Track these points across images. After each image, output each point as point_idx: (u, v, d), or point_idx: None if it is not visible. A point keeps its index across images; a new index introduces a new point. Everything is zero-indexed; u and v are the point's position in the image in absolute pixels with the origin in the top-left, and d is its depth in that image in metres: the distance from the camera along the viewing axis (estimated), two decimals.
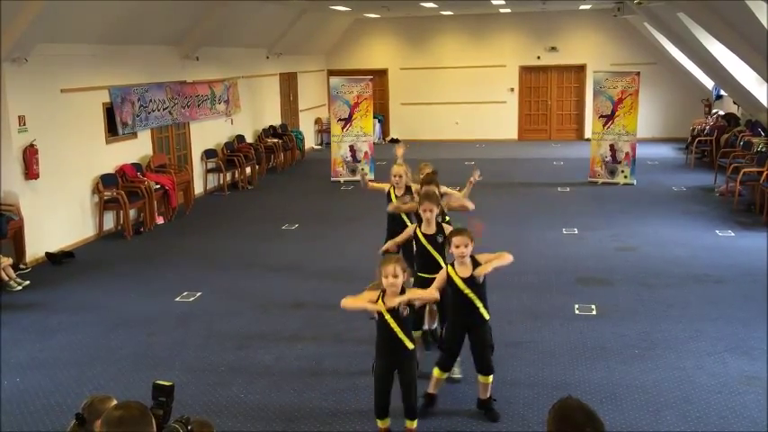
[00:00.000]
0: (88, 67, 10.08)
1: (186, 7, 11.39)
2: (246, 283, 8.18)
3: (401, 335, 4.36)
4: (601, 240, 9.51)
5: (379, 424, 4.62)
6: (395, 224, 6.48)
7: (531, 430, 4.86)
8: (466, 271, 4.79)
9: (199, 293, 7.78)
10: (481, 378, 4.98)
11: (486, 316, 4.89)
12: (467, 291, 4.79)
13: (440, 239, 5.39)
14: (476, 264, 4.80)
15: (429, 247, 5.42)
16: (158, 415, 2.76)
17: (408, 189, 6.76)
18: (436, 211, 5.36)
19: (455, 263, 4.84)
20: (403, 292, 4.36)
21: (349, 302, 4.42)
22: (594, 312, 6.97)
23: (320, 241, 9.78)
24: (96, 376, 5.82)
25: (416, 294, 4.43)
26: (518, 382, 5.53)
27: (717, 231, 9.84)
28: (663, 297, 7.34)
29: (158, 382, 2.91)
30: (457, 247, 4.76)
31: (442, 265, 5.28)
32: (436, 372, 5.03)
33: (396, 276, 4.27)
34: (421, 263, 5.53)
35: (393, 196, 6.72)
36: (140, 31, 10.87)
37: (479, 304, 4.83)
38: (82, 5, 8.97)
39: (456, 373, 5.55)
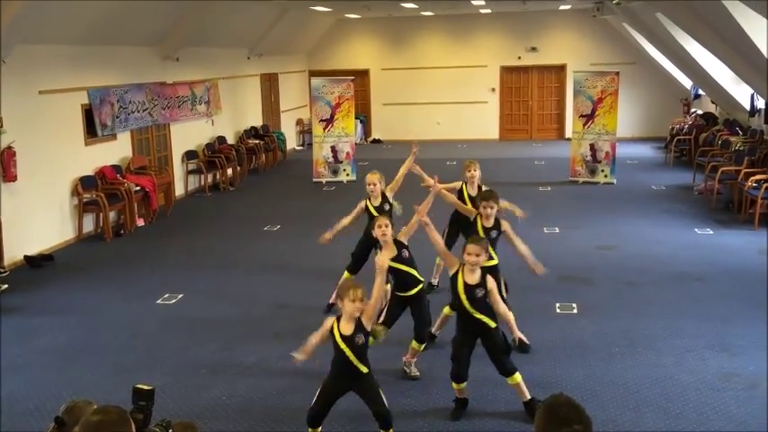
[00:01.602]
0: (67, 68, 9.99)
1: (166, 8, 11.32)
2: (228, 284, 8.14)
3: (355, 361, 4.32)
4: (582, 239, 9.57)
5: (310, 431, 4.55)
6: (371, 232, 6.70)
7: (513, 429, 4.89)
8: (472, 278, 4.81)
9: (180, 295, 7.74)
10: (508, 380, 4.97)
11: (492, 324, 4.88)
12: (463, 297, 4.81)
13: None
14: (484, 278, 4.83)
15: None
16: (138, 419, 2.74)
17: (384, 197, 6.79)
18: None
19: (465, 268, 4.84)
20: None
21: (313, 342, 4.43)
22: (575, 311, 7.01)
23: (303, 242, 9.76)
24: (76, 380, 5.77)
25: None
26: (500, 380, 5.54)
27: (696, 229, 9.94)
28: (643, 295, 7.41)
29: (138, 386, 2.89)
30: (469, 254, 4.77)
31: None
32: (453, 384, 5.01)
33: (362, 301, 4.26)
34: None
35: (371, 207, 6.77)
36: (119, 31, 10.78)
37: (478, 315, 4.82)
38: (60, 6, 8.88)
39: (413, 371, 5.66)
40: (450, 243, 7.09)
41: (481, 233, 6.00)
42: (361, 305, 4.26)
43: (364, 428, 4.87)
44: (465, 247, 4.85)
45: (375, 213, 6.67)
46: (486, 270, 5.81)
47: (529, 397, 4.97)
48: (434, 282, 7.45)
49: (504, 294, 5.99)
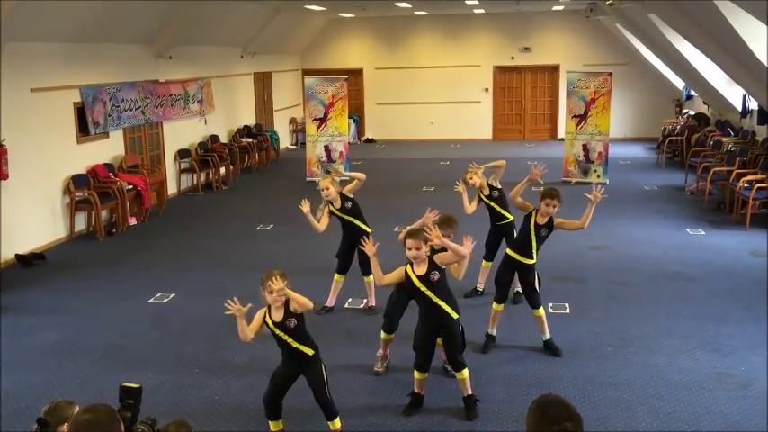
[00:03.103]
0: (59, 66, 9.94)
1: (159, 6, 11.29)
2: (221, 283, 8.12)
3: (295, 344, 4.41)
4: (574, 239, 9.56)
5: (272, 426, 4.61)
6: (347, 230, 6.85)
7: (505, 428, 4.89)
8: (422, 269, 4.84)
9: (172, 294, 7.72)
10: (457, 375, 5.06)
11: (454, 315, 4.92)
12: (423, 288, 4.83)
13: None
14: (432, 262, 4.84)
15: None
16: (126, 417, 2.75)
17: (343, 196, 6.80)
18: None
19: (413, 265, 4.88)
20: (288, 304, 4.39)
21: (247, 333, 4.46)
22: (568, 311, 7.03)
23: (295, 241, 9.76)
24: (68, 379, 5.75)
25: (294, 297, 4.38)
26: (493, 380, 5.57)
27: (688, 230, 9.97)
28: (635, 295, 7.43)
29: (125, 384, 2.90)
30: (409, 249, 4.80)
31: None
32: (415, 373, 5.08)
33: (280, 290, 4.31)
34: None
35: (335, 210, 6.82)
36: (112, 29, 10.74)
37: (440, 302, 4.86)
38: (52, 4, 8.84)
39: (379, 366, 5.73)
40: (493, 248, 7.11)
41: (532, 230, 5.93)
42: (278, 296, 4.31)
43: (359, 427, 4.87)
44: (404, 242, 4.84)
45: (339, 214, 6.80)
46: (518, 265, 5.93)
47: (470, 393, 5.06)
48: (479, 287, 7.46)
49: (538, 288, 6.05)
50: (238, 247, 9.58)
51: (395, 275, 4.98)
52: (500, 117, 20.35)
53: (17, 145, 8.95)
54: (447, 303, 4.89)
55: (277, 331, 4.41)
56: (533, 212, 5.99)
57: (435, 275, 4.81)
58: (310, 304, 4.39)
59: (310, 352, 4.46)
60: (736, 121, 14.11)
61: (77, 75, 10.35)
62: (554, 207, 5.88)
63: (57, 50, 9.85)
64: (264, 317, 4.44)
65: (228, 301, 4.40)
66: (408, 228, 5.04)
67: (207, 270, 8.61)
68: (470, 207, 6.92)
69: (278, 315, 4.40)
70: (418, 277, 4.83)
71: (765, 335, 6.27)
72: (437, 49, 20.11)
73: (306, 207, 6.53)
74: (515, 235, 6.85)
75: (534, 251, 5.99)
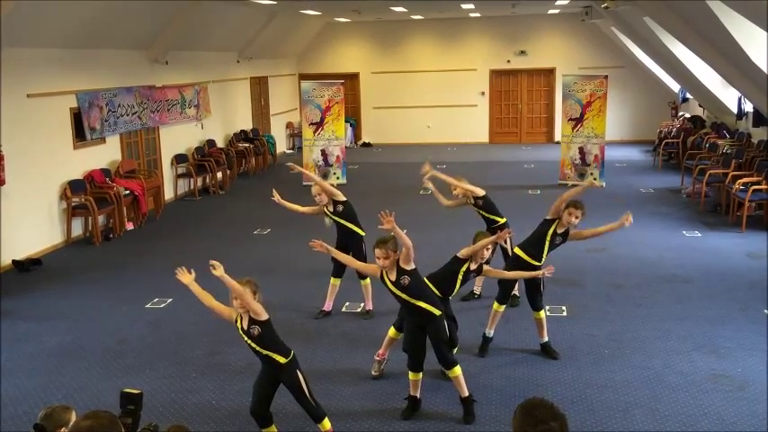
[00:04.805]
0: (55, 71, 9.95)
1: (155, 11, 11.30)
2: (218, 288, 8.08)
3: (263, 351, 4.43)
4: (571, 242, 9.59)
5: None
6: (340, 233, 6.93)
7: (502, 430, 4.90)
8: (393, 275, 4.91)
9: (169, 300, 7.71)
10: (448, 373, 5.08)
11: (436, 312, 4.96)
12: (398, 293, 4.91)
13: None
14: (400, 267, 4.89)
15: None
16: (127, 423, 2.75)
17: (333, 201, 6.87)
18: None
19: (386, 270, 4.95)
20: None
21: (214, 303, 4.70)
22: (565, 313, 7.05)
23: (292, 245, 9.76)
24: (65, 385, 5.74)
25: (231, 283, 4.53)
26: (490, 383, 5.58)
27: (684, 232, 10.00)
28: (632, 297, 7.45)
29: (126, 390, 2.90)
30: (378, 258, 4.88)
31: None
32: (409, 374, 5.11)
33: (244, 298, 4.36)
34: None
35: (328, 213, 6.92)
36: (108, 34, 10.75)
37: (418, 302, 4.91)
38: (49, 9, 8.85)
39: (375, 369, 5.73)
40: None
41: (549, 235, 5.95)
42: (239, 304, 4.44)
43: (356, 430, 4.89)
44: (373, 250, 4.93)
45: (333, 218, 6.90)
46: (525, 266, 5.95)
47: (467, 393, 5.06)
48: (476, 291, 7.49)
49: (542, 291, 6.08)
50: (236, 252, 9.58)
51: (368, 267, 5.24)
52: (496, 120, 20.39)
53: (14, 150, 8.95)
54: (426, 302, 4.94)
55: (245, 338, 4.44)
56: (557, 221, 5.97)
57: (405, 279, 4.88)
58: (240, 289, 4.42)
59: (282, 360, 4.44)
60: (731, 123, 14.15)
61: (74, 80, 10.36)
62: (576, 218, 5.90)
63: (53, 56, 9.85)
64: (236, 320, 4.51)
65: (178, 270, 4.63)
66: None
67: (204, 275, 8.56)
68: (446, 201, 7.28)
69: (245, 323, 4.43)
70: (392, 282, 4.91)
71: (762, 336, 6.29)
72: (433, 53, 20.14)
73: (278, 196, 6.90)
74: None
75: (544, 255, 6.01)
